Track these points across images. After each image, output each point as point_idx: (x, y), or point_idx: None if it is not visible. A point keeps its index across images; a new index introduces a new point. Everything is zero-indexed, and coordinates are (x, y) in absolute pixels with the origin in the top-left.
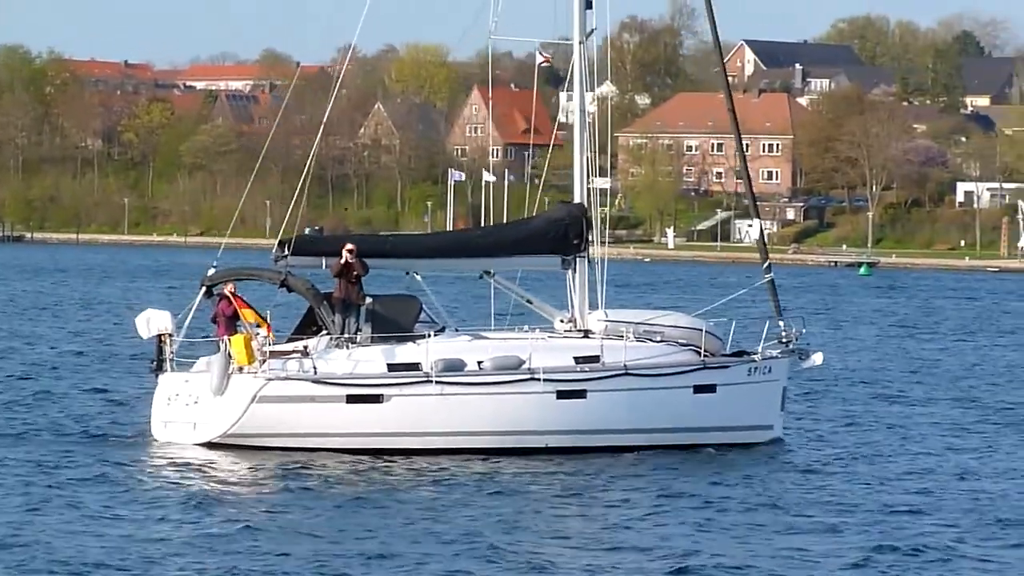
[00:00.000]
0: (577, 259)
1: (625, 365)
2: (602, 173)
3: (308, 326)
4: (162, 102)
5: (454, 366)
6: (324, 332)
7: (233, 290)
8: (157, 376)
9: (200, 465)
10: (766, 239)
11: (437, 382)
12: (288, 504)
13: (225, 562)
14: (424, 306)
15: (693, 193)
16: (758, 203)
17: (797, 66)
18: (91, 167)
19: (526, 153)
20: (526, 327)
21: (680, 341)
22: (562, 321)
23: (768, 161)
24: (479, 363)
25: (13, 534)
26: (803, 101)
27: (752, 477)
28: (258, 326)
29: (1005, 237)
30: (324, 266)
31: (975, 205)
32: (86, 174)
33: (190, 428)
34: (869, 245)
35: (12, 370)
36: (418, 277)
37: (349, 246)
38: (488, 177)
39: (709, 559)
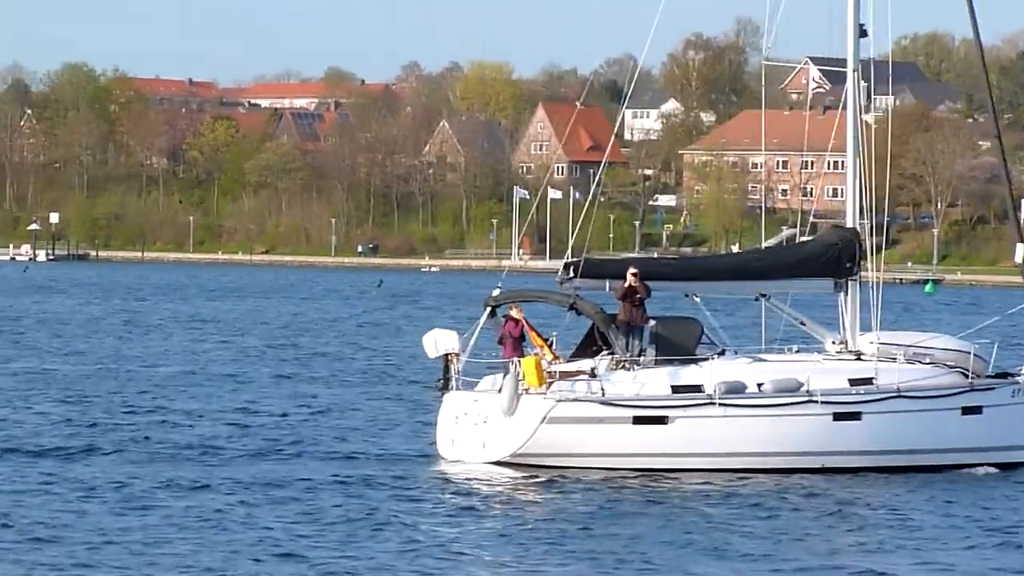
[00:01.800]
0: (849, 282)
1: (898, 387)
2: (666, 191)
3: (588, 347)
4: (227, 120)
5: (736, 389)
6: (605, 353)
7: (520, 312)
8: (443, 395)
9: (493, 482)
10: None
11: (720, 404)
12: (581, 519)
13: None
14: (704, 328)
15: (758, 211)
16: (824, 219)
17: (863, 83)
18: (156, 185)
19: (591, 170)
20: (795, 348)
21: (948, 363)
22: (834, 343)
23: (833, 178)
24: (759, 385)
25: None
26: (868, 118)
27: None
28: (541, 348)
29: None
30: (608, 288)
31: None
32: (151, 192)
33: (479, 447)
34: (934, 262)
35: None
36: (697, 299)
37: (633, 270)
38: (554, 194)
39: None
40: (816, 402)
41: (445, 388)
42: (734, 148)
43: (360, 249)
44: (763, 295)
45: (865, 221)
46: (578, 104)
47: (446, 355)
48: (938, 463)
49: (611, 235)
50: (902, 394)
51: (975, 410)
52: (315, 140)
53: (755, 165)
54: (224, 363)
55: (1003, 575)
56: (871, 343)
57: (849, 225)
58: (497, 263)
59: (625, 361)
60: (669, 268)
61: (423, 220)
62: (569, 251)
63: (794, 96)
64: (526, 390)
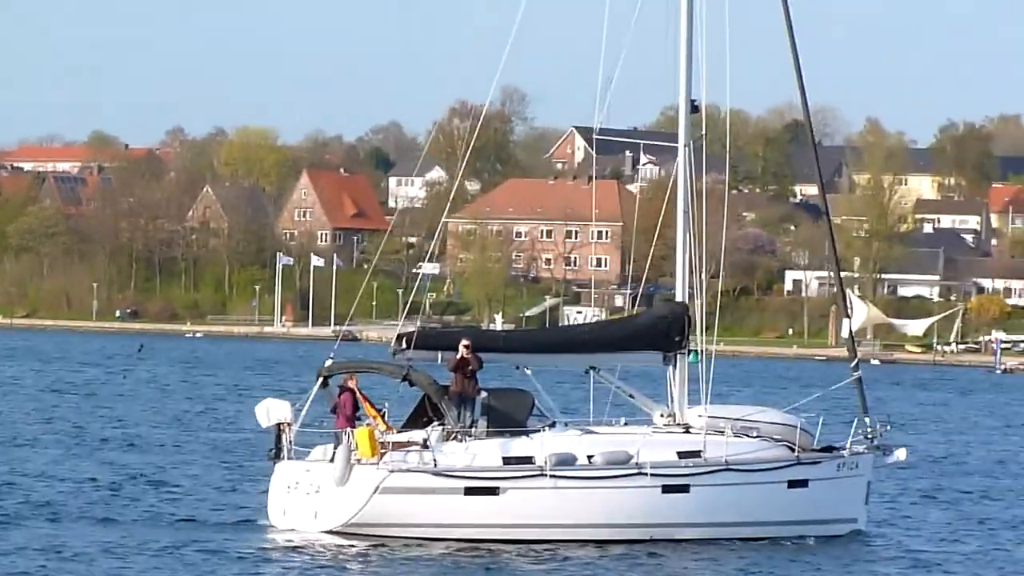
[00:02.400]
0: (678, 356)
1: (726, 460)
2: (430, 259)
3: (419, 418)
4: None
5: (566, 460)
6: (436, 424)
7: (355, 383)
8: (275, 464)
9: (324, 552)
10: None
11: (551, 476)
12: None
13: None
14: (535, 400)
15: (522, 279)
16: (587, 290)
17: (627, 153)
18: None
19: (355, 237)
20: (623, 420)
21: (774, 436)
22: (662, 415)
23: (598, 248)
24: (589, 457)
25: None
26: (633, 188)
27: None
28: (375, 419)
29: (833, 325)
30: (440, 360)
31: (803, 293)
32: None
33: (311, 516)
34: (697, 332)
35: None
36: (528, 372)
37: (465, 341)
38: (316, 261)
39: None
40: (645, 474)
41: (277, 458)
42: (498, 217)
43: (118, 314)
44: (593, 368)
45: (627, 291)
46: (341, 171)
47: (278, 424)
48: (764, 535)
49: (374, 303)
50: (730, 467)
51: (801, 483)
52: (78, 204)
53: (519, 234)
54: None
55: None
56: (699, 416)
57: (679, 299)
58: (259, 329)
59: (457, 432)
60: (500, 340)
61: (185, 285)
62: (332, 319)
63: (559, 165)
64: (359, 460)
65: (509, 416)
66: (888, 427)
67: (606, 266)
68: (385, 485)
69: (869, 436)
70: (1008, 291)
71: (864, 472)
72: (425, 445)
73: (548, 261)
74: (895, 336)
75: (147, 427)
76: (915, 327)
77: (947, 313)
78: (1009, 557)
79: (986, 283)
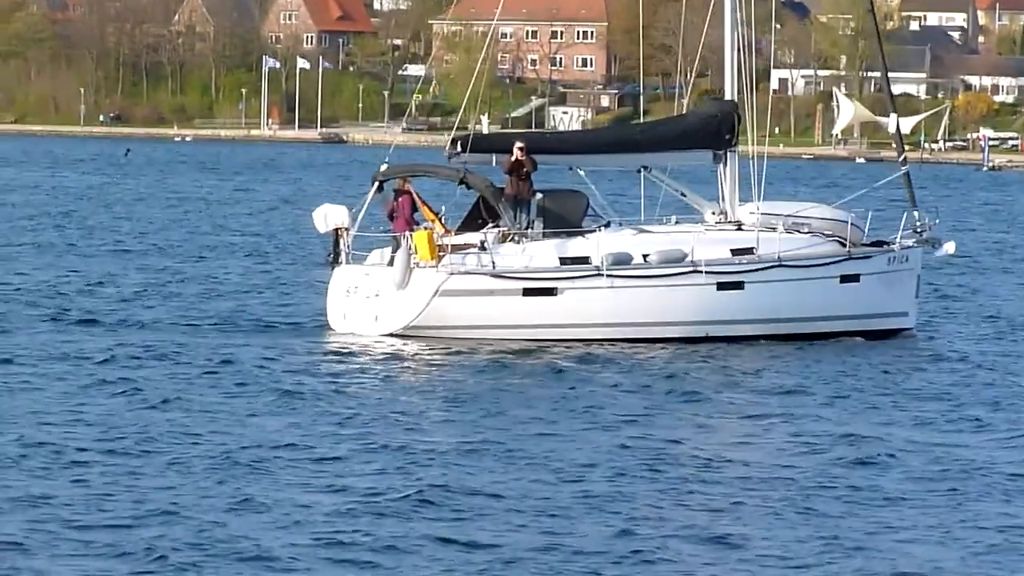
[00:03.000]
0: (728, 153)
1: (779, 256)
2: (415, 60)
3: (474, 221)
4: None
5: (622, 260)
6: (491, 226)
7: (410, 186)
8: (334, 268)
9: (388, 353)
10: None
11: (608, 275)
12: (479, 388)
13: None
14: (590, 201)
15: (508, 80)
16: (572, 90)
17: None
18: None
19: (341, 40)
20: (675, 219)
21: (825, 232)
22: (713, 213)
23: (582, 48)
24: (645, 256)
25: (211, 419)
26: None
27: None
28: (433, 222)
29: (819, 124)
30: (494, 163)
31: (790, 92)
32: None
33: (371, 320)
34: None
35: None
36: (581, 172)
37: (519, 144)
38: (303, 64)
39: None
40: (700, 272)
41: (335, 262)
42: (484, 18)
43: (102, 119)
44: (644, 167)
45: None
46: None
47: (336, 230)
48: (817, 331)
49: (360, 105)
50: (783, 263)
51: (853, 278)
52: (64, 9)
53: (504, 35)
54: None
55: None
56: (751, 213)
57: (727, 98)
58: (247, 132)
59: (514, 234)
60: (554, 142)
61: (172, 90)
62: (318, 122)
63: None
64: (418, 263)
65: (564, 217)
66: (937, 221)
67: (592, 66)
68: (445, 287)
69: (919, 230)
70: (995, 88)
71: (914, 266)
72: (483, 247)
73: (534, 62)
74: (881, 134)
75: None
76: (902, 124)
77: (934, 111)
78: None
79: (973, 80)
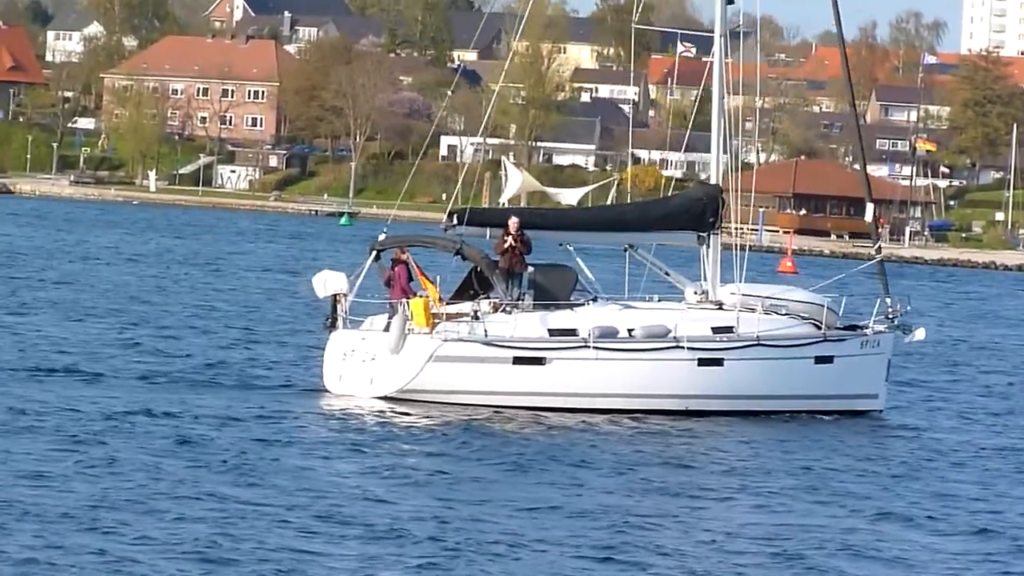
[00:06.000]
0: (711, 235)
1: (758, 336)
2: (84, 114)
3: (466, 291)
4: None
5: (609, 333)
6: (483, 296)
7: (407, 255)
8: (331, 333)
9: (379, 416)
10: (254, 187)
11: (594, 347)
12: (455, 453)
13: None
14: (578, 276)
15: (177, 137)
16: (241, 149)
17: (286, 13)
18: None
19: (12, 90)
20: (657, 297)
21: (802, 315)
22: (695, 293)
23: (252, 108)
24: (630, 331)
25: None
26: (291, 49)
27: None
28: (427, 290)
29: (487, 192)
30: (488, 236)
31: (458, 159)
32: None
33: (366, 383)
34: (351, 195)
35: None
36: (570, 248)
37: (514, 219)
38: None
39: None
40: (683, 347)
41: (333, 326)
42: (155, 74)
43: None
44: (631, 246)
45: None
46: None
47: (334, 295)
48: (791, 408)
49: (28, 155)
50: (761, 342)
51: (827, 359)
52: None
53: (175, 91)
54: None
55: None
56: (732, 294)
57: (713, 181)
58: None
59: (506, 305)
60: (545, 218)
61: None
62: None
63: (217, 24)
64: (413, 329)
65: (554, 290)
66: (908, 307)
67: (261, 126)
68: (438, 354)
69: (890, 316)
70: (664, 162)
71: (885, 350)
72: (476, 316)
73: (203, 120)
74: (550, 204)
75: None
76: (569, 196)
77: (602, 183)
78: None
79: (642, 154)
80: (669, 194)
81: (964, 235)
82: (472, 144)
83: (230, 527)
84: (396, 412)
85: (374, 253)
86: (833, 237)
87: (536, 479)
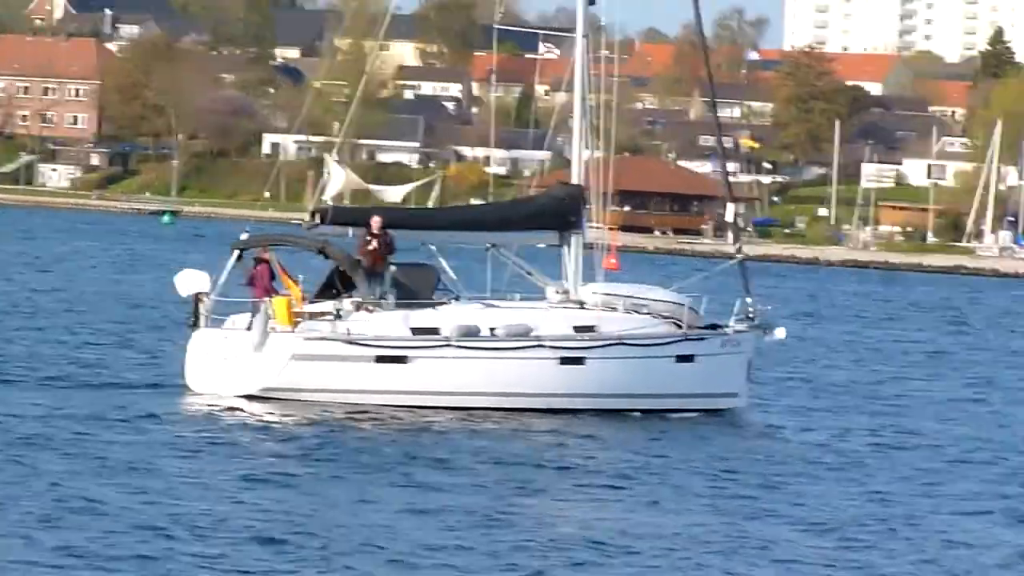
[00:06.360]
0: (572, 235)
1: (619, 335)
2: None
3: (328, 290)
4: None
5: (471, 332)
6: (345, 295)
7: (270, 255)
8: (193, 331)
9: (238, 415)
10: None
11: (456, 346)
12: (317, 453)
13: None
14: (440, 275)
15: None
16: (62, 147)
17: (107, 11)
18: None
19: None
20: (519, 296)
21: (663, 314)
22: (557, 292)
23: (74, 106)
24: (492, 329)
25: (56, 483)
26: (113, 47)
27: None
28: (291, 290)
29: (311, 189)
30: (350, 235)
31: (281, 157)
32: None
33: (229, 381)
34: (173, 194)
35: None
36: (432, 248)
37: (376, 219)
38: None
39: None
40: (544, 346)
41: (195, 326)
42: None
43: None
44: (493, 245)
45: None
46: None
47: (196, 295)
48: (653, 407)
49: None
50: (622, 341)
51: (688, 358)
52: None
53: None
54: None
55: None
56: (593, 293)
57: (574, 182)
58: None
59: (368, 304)
60: (408, 218)
61: None
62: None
63: (38, 21)
64: (275, 328)
65: (416, 289)
66: (768, 307)
67: (83, 124)
68: (300, 352)
69: (751, 316)
70: (487, 159)
71: (746, 349)
72: (338, 315)
73: (24, 118)
74: (373, 201)
75: None
76: (393, 193)
77: (426, 180)
78: None
79: (466, 151)
80: (531, 194)
81: (787, 231)
82: (295, 142)
83: (85, 530)
84: (257, 411)
85: (236, 252)
86: (657, 233)
87: (396, 479)
